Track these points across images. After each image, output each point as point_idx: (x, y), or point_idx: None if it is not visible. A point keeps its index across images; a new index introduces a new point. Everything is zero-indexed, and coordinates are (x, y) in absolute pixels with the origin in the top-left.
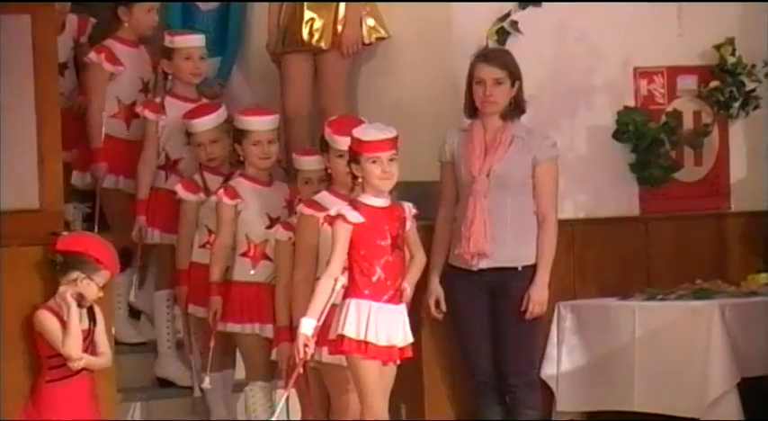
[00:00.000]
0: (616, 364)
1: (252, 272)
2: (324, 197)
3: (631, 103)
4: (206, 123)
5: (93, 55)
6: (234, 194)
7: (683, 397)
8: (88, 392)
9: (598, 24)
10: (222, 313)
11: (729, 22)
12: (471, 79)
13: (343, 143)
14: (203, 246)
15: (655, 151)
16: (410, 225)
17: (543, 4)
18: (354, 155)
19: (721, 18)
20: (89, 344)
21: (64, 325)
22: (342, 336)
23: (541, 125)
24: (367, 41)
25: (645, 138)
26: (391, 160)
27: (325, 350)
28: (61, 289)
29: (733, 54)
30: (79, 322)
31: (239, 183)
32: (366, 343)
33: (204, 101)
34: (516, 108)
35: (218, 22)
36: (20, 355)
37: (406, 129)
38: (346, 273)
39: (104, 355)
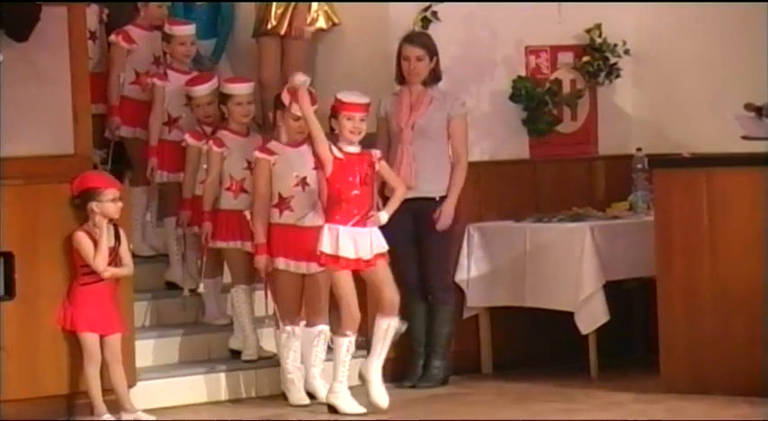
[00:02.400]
0: (511, 271)
1: (234, 201)
2: (275, 145)
3: (523, 74)
4: (203, 89)
5: (113, 37)
6: (221, 144)
7: (562, 295)
8: (111, 293)
9: (498, 14)
10: (212, 233)
11: (597, 11)
12: (400, 56)
13: (294, 106)
14: (202, 182)
15: (541, 110)
16: (379, 166)
17: None
18: (334, 112)
19: (591, 8)
20: (114, 258)
21: (95, 243)
22: (321, 253)
23: (455, 90)
24: (325, 27)
25: (533, 99)
26: (362, 120)
27: (313, 264)
28: (97, 219)
29: (600, 36)
30: (107, 241)
31: (224, 135)
32: (338, 257)
33: (195, 73)
34: (434, 77)
35: (212, 13)
36: (59, 266)
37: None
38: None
39: (127, 266)
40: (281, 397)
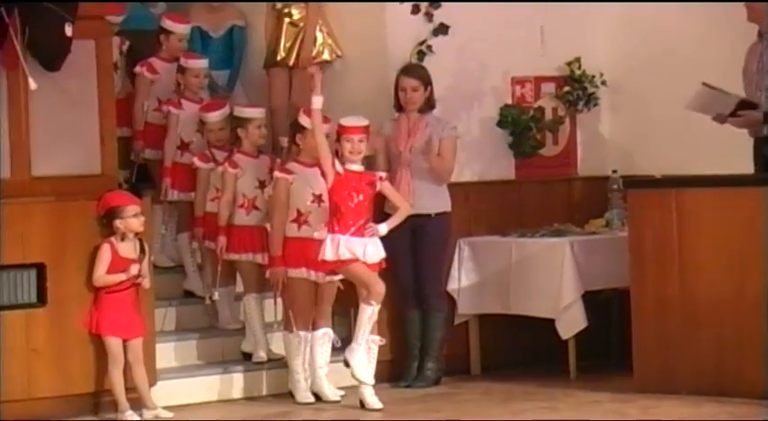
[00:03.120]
0: (498, 281)
1: (246, 217)
2: (293, 166)
3: (509, 102)
4: (216, 116)
5: (138, 68)
6: (235, 165)
7: (544, 303)
8: (134, 300)
9: (486, 47)
10: (226, 247)
11: (577, 45)
12: (397, 87)
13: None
14: (212, 200)
15: (525, 135)
16: (381, 186)
17: (448, 33)
18: (338, 136)
19: (571, 43)
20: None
21: (114, 257)
22: (324, 261)
23: (448, 116)
24: (329, 59)
25: (518, 125)
26: (360, 141)
27: (321, 274)
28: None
29: (579, 68)
30: (132, 254)
31: (238, 157)
32: (341, 261)
33: (207, 100)
34: (429, 105)
35: (225, 46)
36: (86, 275)
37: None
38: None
39: (146, 279)
40: (288, 395)
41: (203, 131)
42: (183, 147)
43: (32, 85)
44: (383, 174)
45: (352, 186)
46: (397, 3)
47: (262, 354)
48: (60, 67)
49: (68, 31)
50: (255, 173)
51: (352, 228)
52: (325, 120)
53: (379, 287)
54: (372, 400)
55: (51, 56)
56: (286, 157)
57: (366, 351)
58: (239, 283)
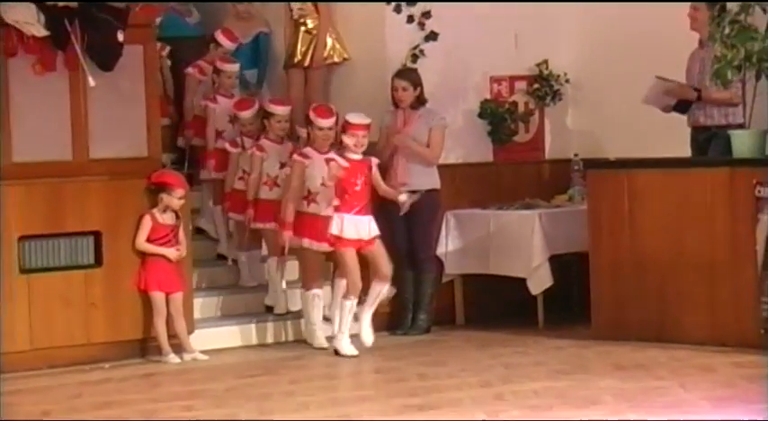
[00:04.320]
0: (479, 247)
1: (270, 192)
2: (309, 151)
3: (488, 97)
4: (248, 113)
5: (189, 69)
6: (262, 149)
7: (517, 264)
8: (175, 263)
9: (469, 51)
10: (253, 217)
11: (545, 49)
12: (392, 87)
13: (319, 121)
14: (240, 178)
15: (502, 125)
16: (376, 172)
17: (438, 39)
18: (343, 129)
19: (540, 47)
20: (175, 236)
21: (155, 225)
22: (330, 235)
23: (438, 108)
24: (337, 61)
25: (496, 117)
26: (363, 136)
27: (324, 244)
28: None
29: (547, 69)
30: (167, 221)
31: (265, 143)
32: (342, 238)
33: (238, 96)
34: (419, 102)
35: (253, 50)
36: (131, 241)
37: (357, 111)
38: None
39: (183, 245)
40: (303, 343)
41: (235, 123)
42: (218, 135)
43: (91, 82)
44: (376, 160)
45: (356, 174)
46: (394, 13)
47: (281, 307)
48: (114, 67)
49: (120, 37)
50: (279, 157)
51: (357, 208)
52: (330, 113)
53: (384, 267)
54: (349, 348)
55: (106, 58)
56: (303, 144)
57: (369, 322)
58: (263, 248)
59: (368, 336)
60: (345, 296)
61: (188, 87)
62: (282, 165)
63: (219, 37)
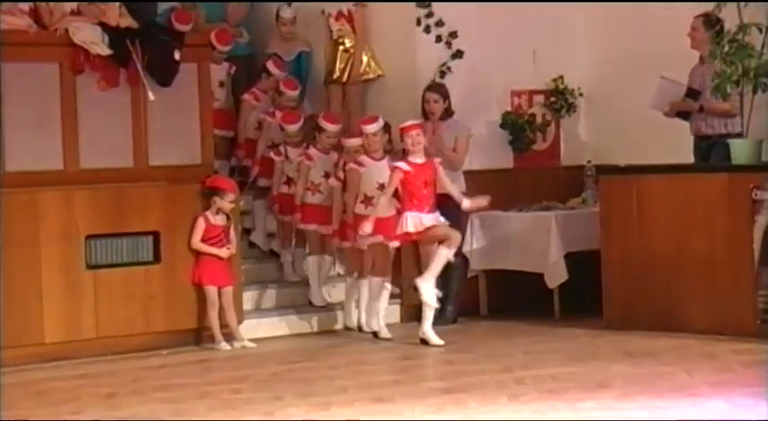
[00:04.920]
0: (501, 245)
1: (313, 198)
2: (364, 159)
3: (509, 109)
4: (294, 128)
5: (246, 96)
6: (310, 158)
7: (536, 261)
8: (226, 263)
9: (491, 68)
10: (300, 219)
11: (561, 66)
12: (423, 100)
13: (365, 128)
14: (286, 183)
15: (521, 134)
16: (441, 171)
17: (463, 57)
18: (400, 136)
19: (556, 64)
20: (226, 235)
21: (208, 226)
22: (406, 233)
23: (464, 119)
24: (372, 77)
25: (516, 127)
26: (417, 135)
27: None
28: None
29: (562, 84)
30: (219, 222)
31: (312, 152)
32: (412, 233)
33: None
34: (447, 114)
35: (296, 67)
36: (186, 240)
37: (391, 123)
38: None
39: (233, 244)
40: (338, 332)
41: (284, 134)
42: (272, 146)
43: (150, 96)
44: (439, 160)
45: (421, 178)
46: (424, 33)
47: (318, 300)
48: (171, 83)
49: (177, 56)
50: (324, 166)
51: (426, 209)
52: (373, 119)
53: (456, 236)
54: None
55: (164, 75)
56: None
57: (432, 283)
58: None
59: (429, 295)
60: (445, 246)
61: (243, 111)
62: (326, 175)
63: (270, 66)
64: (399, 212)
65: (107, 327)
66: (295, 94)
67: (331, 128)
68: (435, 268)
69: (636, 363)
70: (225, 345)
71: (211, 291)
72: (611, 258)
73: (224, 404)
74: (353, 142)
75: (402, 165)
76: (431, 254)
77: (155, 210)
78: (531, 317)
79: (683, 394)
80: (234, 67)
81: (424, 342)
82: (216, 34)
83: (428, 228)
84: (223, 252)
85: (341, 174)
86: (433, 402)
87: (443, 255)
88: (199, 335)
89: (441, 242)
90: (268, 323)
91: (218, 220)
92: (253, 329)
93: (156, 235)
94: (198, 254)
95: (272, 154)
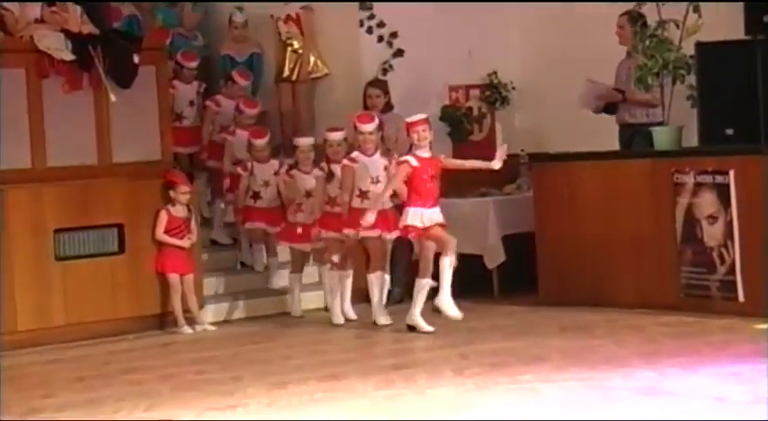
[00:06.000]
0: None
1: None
2: (358, 155)
3: (447, 103)
4: (260, 141)
5: (208, 102)
6: (292, 176)
7: (475, 244)
8: (187, 250)
9: (430, 65)
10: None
11: (495, 62)
12: (365, 95)
13: (362, 126)
14: (252, 197)
15: (459, 126)
16: (445, 163)
17: (404, 55)
18: (407, 131)
19: (491, 59)
20: (187, 227)
21: (170, 218)
22: (406, 226)
23: (404, 113)
24: (320, 75)
25: (454, 119)
26: (424, 130)
27: (394, 233)
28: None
29: (496, 78)
30: (181, 214)
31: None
32: (414, 227)
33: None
34: (388, 107)
35: (248, 67)
36: (149, 231)
37: (337, 119)
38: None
39: (194, 234)
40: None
41: (251, 150)
42: (237, 162)
43: (112, 98)
44: (443, 155)
45: (428, 172)
46: (366, 34)
47: (297, 311)
48: (131, 85)
49: (136, 59)
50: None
51: (429, 203)
52: (371, 119)
53: (452, 242)
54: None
55: (124, 77)
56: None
57: (449, 298)
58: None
59: (451, 309)
60: (421, 276)
61: (206, 117)
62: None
63: (235, 76)
64: (400, 207)
65: (76, 315)
66: (254, 112)
67: (333, 135)
68: (446, 282)
69: (570, 337)
70: (187, 329)
71: (174, 278)
72: (545, 239)
73: (186, 385)
74: (336, 136)
75: (411, 159)
76: (427, 249)
77: (119, 204)
78: (473, 297)
79: (613, 365)
80: (204, 85)
81: (412, 328)
82: (182, 54)
83: (427, 228)
84: (185, 242)
85: (325, 166)
86: (383, 378)
87: (446, 263)
88: (163, 320)
89: (438, 251)
90: (227, 307)
91: (180, 212)
92: (213, 314)
93: (120, 227)
94: (161, 244)
95: (238, 169)
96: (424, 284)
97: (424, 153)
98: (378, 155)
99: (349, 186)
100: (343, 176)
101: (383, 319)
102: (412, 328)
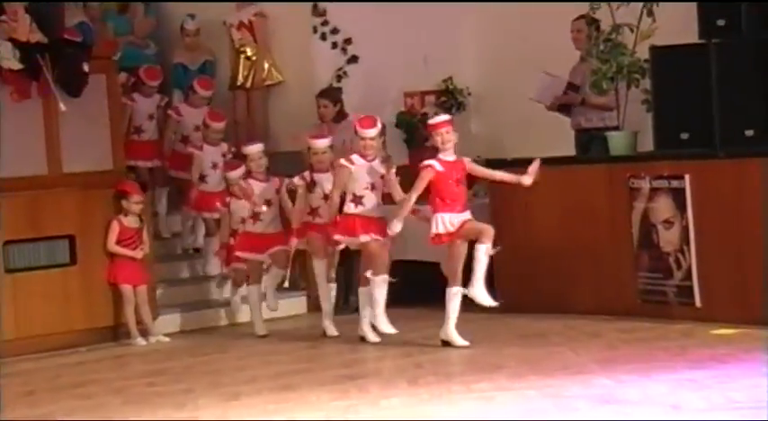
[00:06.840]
0: (398, 237)
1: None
2: (355, 158)
3: (403, 109)
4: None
5: (170, 111)
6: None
7: (432, 251)
8: (140, 263)
9: (385, 71)
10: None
11: (450, 68)
12: (318, 103)
13: (364, 131)
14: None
15: (415, 133)
16: (469, 167)
17: (358, 62)
18: (429, 133)
19: (446, 65)
20: (139, 237)
21: (122, 228)
22: (438, 234)
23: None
24: (274, 82)
25: (410, 126)
26: (447, 132)
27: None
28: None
29: (452, 84)
30: (133, 225)
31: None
32: (446, 234)
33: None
34: (339, 116)
35: (200, 74)
36: (101, 242)
37: (292, 125)
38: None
39: (146, 245)
40: (249, 324)
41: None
42: (201, 177)
43: (62, 107)
44: (469, 159)
45: (453, 176)
46: (320, 41)
47: (261, 329)
48: (81, 94)
49: (85, 68)
50: (265, 195)
51: (458, 208)
52: (373, 123)
53: (490, 230)
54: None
55: (74, 86)
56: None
57: (483, 287)
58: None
59: (484, 297)
60: (451, 284)
61: (168, 127)
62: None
63: (196, 87)
64: (413, 212)
65: (27, 328)
66: (221, 126)
67: (316, 143)
68: (480, 270)
69: (528, 344)
70: (141, 341)
71: (127, 289)
72: (503, 246)
73: (137, 398)
74: (321, 144)
75: (435, 164)
76: (458, 256)
77: (70, 215)
78: (429, 304)
79: (571, 372)
80: (165, 99)
81: (446, 344)
82: (144, 71)
83: (460, 226)
84: (137, 253)
85: (307, 176)
86: (337, 388)
87: (482, 251)
88: (116, 332)
89: (475, 240)
90: (180, 318)
91: (132, 223)
92: (166, 325)
93: (71, 238)
94: (113, 255)
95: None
96: (455, 292)
97: (449, 156)
98: (377, 161)
99: (341, 185)
100: (336, 175)
101: (386, 328)
102: (446, 344)
